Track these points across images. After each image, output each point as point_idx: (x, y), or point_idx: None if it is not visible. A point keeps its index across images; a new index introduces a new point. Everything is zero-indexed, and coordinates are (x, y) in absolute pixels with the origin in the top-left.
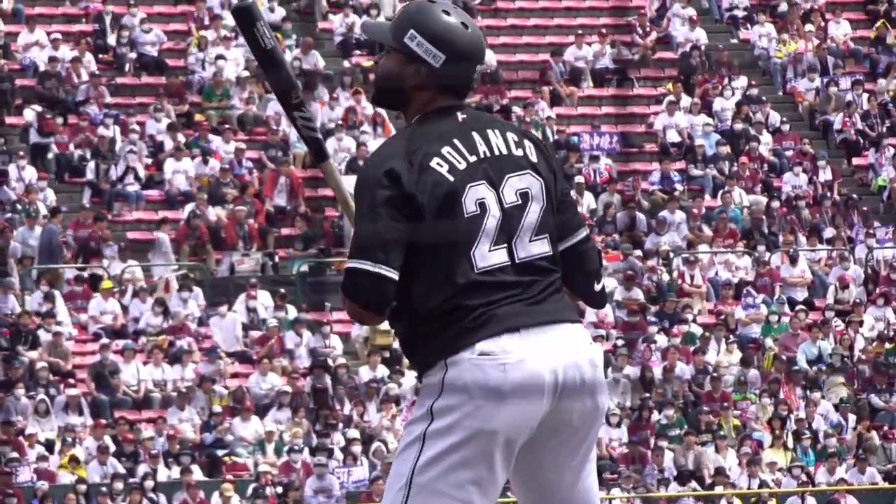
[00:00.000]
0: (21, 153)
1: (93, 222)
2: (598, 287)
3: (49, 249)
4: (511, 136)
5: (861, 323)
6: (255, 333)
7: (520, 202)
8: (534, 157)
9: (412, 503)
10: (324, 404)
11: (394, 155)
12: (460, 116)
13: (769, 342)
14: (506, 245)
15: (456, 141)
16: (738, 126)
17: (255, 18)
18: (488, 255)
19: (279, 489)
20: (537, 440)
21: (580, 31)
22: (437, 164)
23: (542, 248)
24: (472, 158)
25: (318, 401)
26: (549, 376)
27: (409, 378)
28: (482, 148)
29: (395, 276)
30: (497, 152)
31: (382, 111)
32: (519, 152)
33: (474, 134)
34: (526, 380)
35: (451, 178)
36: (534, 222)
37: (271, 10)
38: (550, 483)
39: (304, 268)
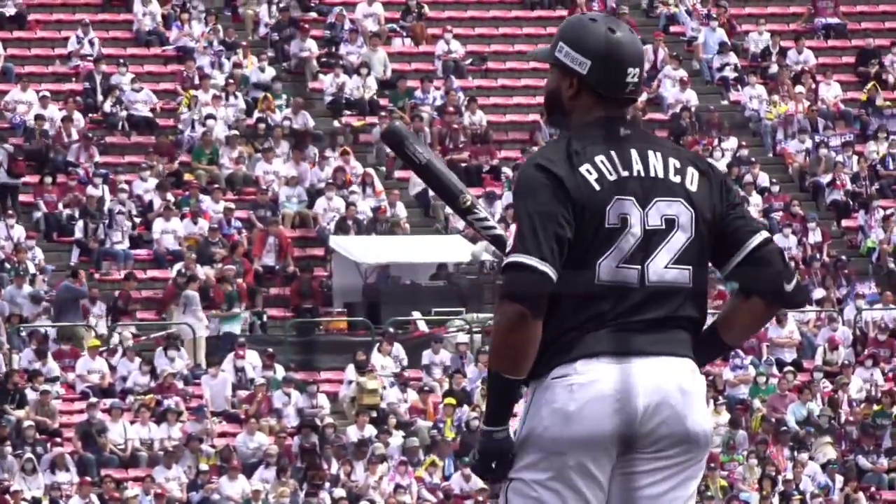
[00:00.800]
0: (9, 211)
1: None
2: (789, 287)
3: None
4: (673, 162)
5: (848, 384)
6: (243, 392)
7: (664, 227)
8: (692, 187)
9: None
10: (311, 464)
11: (554, 157)
12: (622, 131)
13: (757, 403)
14: (638, 266)
15: (612, 152)
16: None
17: (402, 138)
18: (615, 271)
19: None
20: (628, 461)
21: None
22: (587, 170)
23: (678, 276)
24: (625, 173)
25: (305, 460)
26: (622, 399)
27: (397, 437)
28: (637, 166)
29: (554, 279)
30: (652, 174)
31: (371, 171)
32: (676, 179)
33: (633, 151)
34: (593, 400)
35: (598, 188)
36: (675, 250)
37: (262, 69)
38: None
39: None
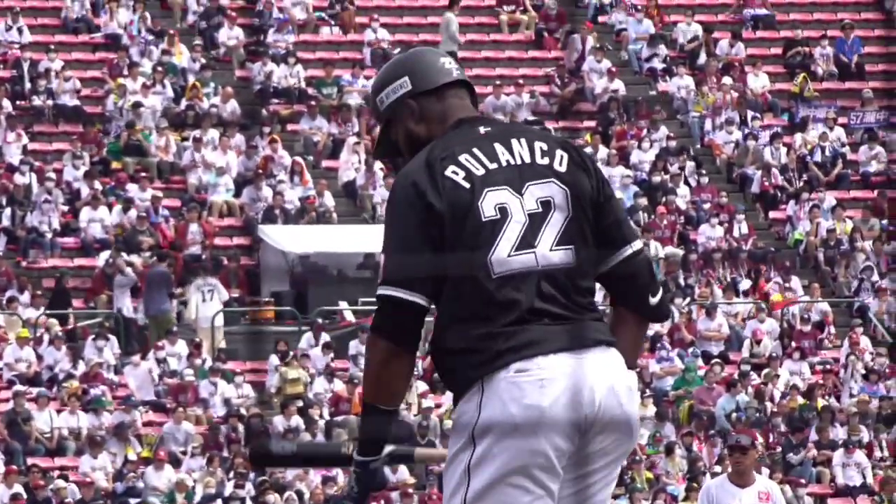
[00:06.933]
0: None
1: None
2: (654, 301)
3: None
4: (539, 146)
5: (777, 377)
6: (170, 382)
7: (540, 210)
8: (561, 167)
9: None
10: (238, 453)
11: (417, 169)
12: (482, 129)
13: (683, 395)
14: (532, 251)
15: (475, 150)
16: (657, 178)
17: (268, 451)
18: (507, 261)
19: None
20: (571, 466)
21: (498, 82)
22: (453, 171)
23: (564, 257)
24: (493, 166)
25: (232, 450)
26: (586, 395)
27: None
28: (504, 157)
29: (427, 306)
30: (519, 160)
31: (300, 160)
32: (544, 161)
33: (496, 144)
34: (564, 397)
35: (468, 185)
36: (555, 232)
37: (193, 59)
38: None
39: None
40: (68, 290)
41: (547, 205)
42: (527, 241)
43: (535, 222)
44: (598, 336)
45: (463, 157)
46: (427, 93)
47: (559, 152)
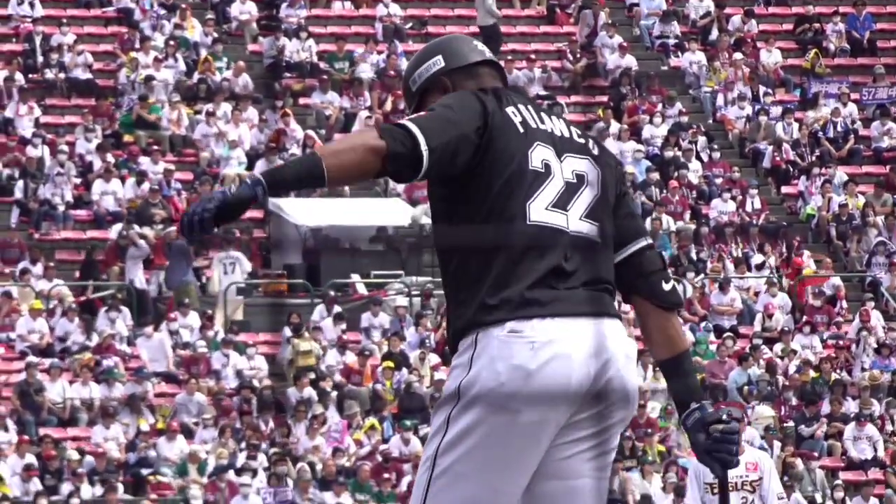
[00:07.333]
0: None
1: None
2: (667, 287)
3: None
4: (575, 129)
5: (793, 352)
6: (183, 353)
7: (575, 181)
8: (595, 151)
9: (435, 485)
10: (250, 425)
11: (486, 93)
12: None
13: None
14: (564, 213)
15: (530, 107)
16: (669, 153)
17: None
18: (545, 213)
19: None
20: (563, 428)
21: (510, 57)
22: (513, 112)
23: (590, 229)
24: (543, 126)
25: (244, 422)
26: (579, 360)
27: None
28: (549, 124)
29: (427, 158)
30: (559, 133)
31: (312, 133)
32: (581, 140)
33: (543, 113)
34: (555, 361)
35: (522, 130)
36: (585, 205)
37: (206, 33)
38: (560, 475)
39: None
40: (97, 262)
41: (581, 178)
42: (562, 202)
43: (570, 190)
44: (608, 309)
45: (521, 107)
46: (460, 70)
47: (591, 140)
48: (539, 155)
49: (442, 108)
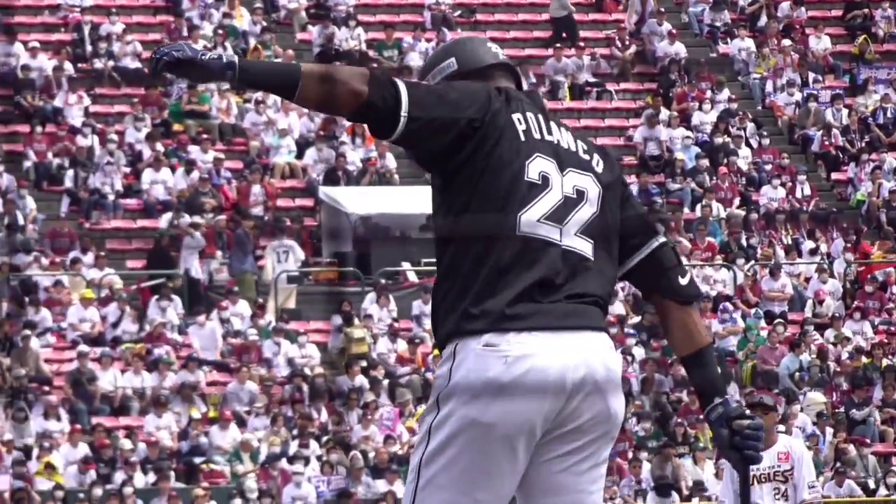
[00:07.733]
0: None
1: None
2: (684, 281)
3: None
4: (581, 144)
5: (841, 337)
6: (234, 342)
7: (574, 196)
8: (598, 168)
9: (420, 496)
10: (301, 413)
11: (497, 93)
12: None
13: (745, 356)
14: (558, 226)
15: (541, 116)
16: (718, 139)
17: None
18: (535, 225)
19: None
20: (546, 443)
21: (559, 45)
22: (518, 119)
23: (584, 246)
24: (549, 137)
25: (296, 410)
26: (554, 374)
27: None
28: (556, 136)
29: (403, 124)
30: (566, 146)
31: None
32: (585, 157)
33: (551, 122)
34: (528, 375)
35: (523, 139)
36: (582, 221)
37: (254, 22)
38: (553, 490)
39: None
40: (168, 250)
41: (581, 194)
42: (558, 216)
43: (568, 205)
44: (592, 322)
45: (529, 115)
46: (473, 72)
47: (596, 156)
48: (537, 166)
49: (446, 85)
